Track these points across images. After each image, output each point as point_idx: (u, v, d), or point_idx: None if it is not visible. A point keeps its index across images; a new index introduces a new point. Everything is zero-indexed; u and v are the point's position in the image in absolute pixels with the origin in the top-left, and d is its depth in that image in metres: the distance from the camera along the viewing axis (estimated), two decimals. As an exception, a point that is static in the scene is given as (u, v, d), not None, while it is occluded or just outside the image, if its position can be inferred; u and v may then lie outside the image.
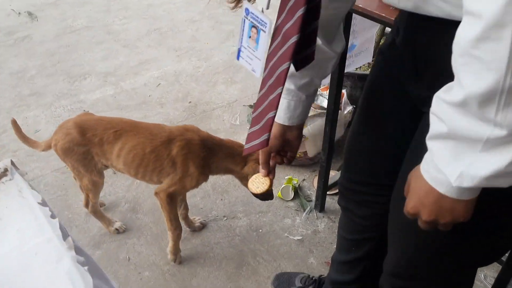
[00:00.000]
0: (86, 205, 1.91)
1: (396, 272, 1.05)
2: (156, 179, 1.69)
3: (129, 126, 1.67)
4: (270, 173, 1.16)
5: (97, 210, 1.92)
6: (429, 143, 0.68)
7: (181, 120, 2.74)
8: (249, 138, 0.95)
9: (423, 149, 0.70)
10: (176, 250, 1.83)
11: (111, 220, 2.00)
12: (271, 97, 0.85)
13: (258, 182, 1.18)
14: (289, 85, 1.05)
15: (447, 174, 0.64)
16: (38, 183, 2.31)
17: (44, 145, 1.77)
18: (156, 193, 1.71)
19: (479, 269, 1.74)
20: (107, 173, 2.32)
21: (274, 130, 1.09)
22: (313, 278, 1.64)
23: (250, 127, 0.94)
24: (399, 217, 0.95)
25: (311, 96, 1.11)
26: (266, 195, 1.22)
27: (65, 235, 0.66)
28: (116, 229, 1.98)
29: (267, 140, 0.89)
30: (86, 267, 0.89)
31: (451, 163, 0.63)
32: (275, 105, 0.85)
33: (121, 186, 2.28)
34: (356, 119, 1.18)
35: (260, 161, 1.15)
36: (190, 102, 2.91)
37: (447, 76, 0.62)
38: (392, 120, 1.05)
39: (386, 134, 1.10)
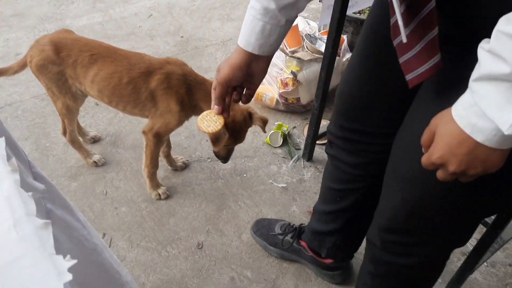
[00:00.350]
0: (64, 133, 1.82)
1: (391, 226, 0.98)
2: (137, 111, 1.59)
3: (107, 51, 1.55)
4: (225, 111, 1.01)
5: (75, 140, 1.83)
6: (476, 85, 0.58)
7: (171, 55, 2.60)
8: (409, 66, 0.76)
9: (440, 95, 0.61)
10: (154, 186, 1.77)
11: (89, 152, 1.91)
12: (424, 13, 0.69)
13: (209, 120, 1.01)
14: (268, 3, 0.87)
15: (496, 121, 0.56)
16: (16, 109, 2.20)
17: (16, 65, 1.64)
18: (143, 132, 1.63)
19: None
20: (89, 103, 2.22)
21: (238, 59, 0.94)
22: (294, 226, 1.60)
23: (401, 55, 0.77)
24: (405, 167, 0.88)
25: (290, 23, 0.94)
26: (217, 143, 1.09)
27: (9, 157, 0.58)
28: (95, 161, 1.90)
29: (439, 63, 0.72)
30: (44, 195, 0.81)
31: (504, 108, 0.55)
32: (432, 21, 0.69)
33: (103, 119, 2.18)
34: (352, 62, 1.08)
35: (214, 96, 0.98)
36: (182, 36, 2.75)
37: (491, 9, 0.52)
38: (391, 64, 0.94)
39: (384, 80, 1.00)
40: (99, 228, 1.69)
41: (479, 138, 0.60)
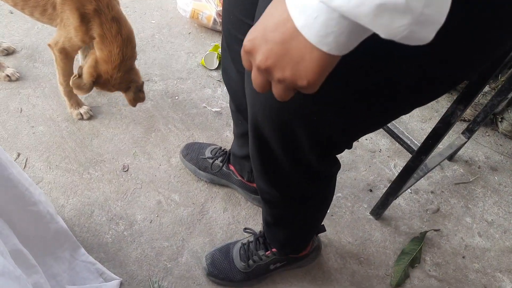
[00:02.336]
0: (-31, 42, 1.60)
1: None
2: (45, 20, 1.40)
3: None
4: None
5: (-17, 49, 1.62)
6: None
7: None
8: None
9: None
10: (75, 105, 1.63)
11: (2, 64, 1.71)
12: None
13: None
14: None
15: None
16: None
17: None
18: (49, 45, 1.45)
19: (389, 156, 1.75)
20: (2, 11, 1.97)
21: None
22: (224, 150, 1.54)
23: None
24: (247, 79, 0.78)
25: None
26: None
27: None
28: (8, 75, 1.71)
29: None
30: None
31: None
32: None
33: (18, 29, 1.95)
34: None
35: None
36: None
37: None
38: None
39: None
40: (13, 148, 1.55)
41: (299, 22, 0.42)
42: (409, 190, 1.65)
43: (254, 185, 1.47)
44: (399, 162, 1.73)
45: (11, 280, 0.46)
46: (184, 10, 2.07)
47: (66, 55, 1.44)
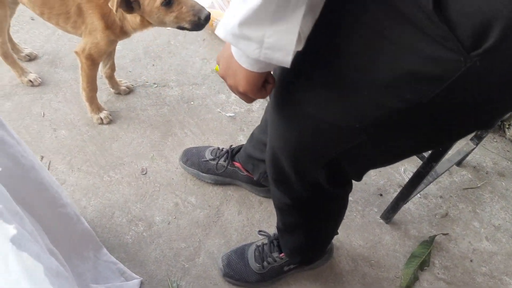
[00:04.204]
0: (-6, 46, 1.67)
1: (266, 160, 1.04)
2: (70, 28, 1.47)
3: None
4: None
5: (8, 54, 1.68)
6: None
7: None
8: None
9: None
10: (96, 109, 1.69)
11: (24, 69, 1.78)
12: None
13: None
14: None
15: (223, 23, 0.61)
16: None
17: None
18: (76, 53, 1.51)
19: (400, 162, 1.79)
20: (23, 17, 2.04)
21: None
22: (223, 149, 1.59)
23: None
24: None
25: None
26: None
27: None
28: (30, 80, 1.77)
29: None
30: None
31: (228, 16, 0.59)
32: None
33: (40, 35, 2.02)
34: None
35: None
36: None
37: None
38: None
39: None
40: (36, 151, 1.61)
41: (232, 49, 0.65)
42: (418, 195, 1.69)
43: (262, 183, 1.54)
44: (408, 167, 1.78)
45: (64, 280, 0.51)
46: (199, 17, 2.13)
47: (93, 61, 1.50)
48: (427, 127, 0.67)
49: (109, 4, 1.25)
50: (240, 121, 1.86)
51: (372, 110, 0.64)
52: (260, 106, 1.93)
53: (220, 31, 0.60)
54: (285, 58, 0.58)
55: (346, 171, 0.87)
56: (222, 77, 0.72)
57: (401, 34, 0.54)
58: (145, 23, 1.38)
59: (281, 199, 1.06)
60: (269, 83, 0.71)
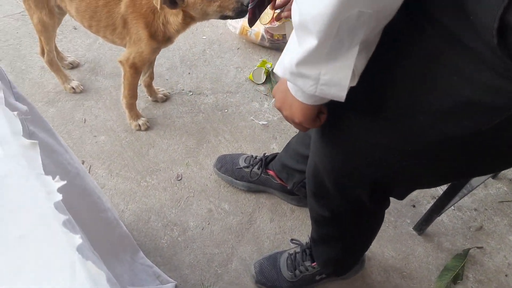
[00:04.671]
0: (42, 53, 1.75)
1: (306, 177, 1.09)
2: (115, 38, 1.54)
3: None
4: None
5: (53, 61, 1.77)
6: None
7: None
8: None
9: None
10: (134, 116, 1.75)
11: (68, 77, 1.86)
12: None
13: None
14: None
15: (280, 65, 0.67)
16: (-12, 27, 2.10)
17: None
18: (120, 62, 1.58)
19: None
20: (66, 27, 2.13)
21: None
22: (257, 157, 1.62)
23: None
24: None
25: None
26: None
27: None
28: (73, 87, 1.85)
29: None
30: (27, 117, 0.79)
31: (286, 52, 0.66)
32: None
33: (82, 44, 2.10)
34: None
35: None
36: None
37: None
38: None
39: None
40: (78, 156, 1.68)
41: (288, 84, 0.70)
42: (452, 207, 1.67)
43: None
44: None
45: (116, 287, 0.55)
46: (234, 26, 2.17)
47: (136, 70, 1.57)
48: (482, 153, 0.67)
49: (154, 2, 1.30)
50: (273, 129, 1.89)
51: (427, 135, 0.66)
52: (292, 115, 1.95)
53: (278, 70, 0.66)
54: (340, 93, 0.62)
55: (389, 189, 0.88)
56: (278, 109, 0.77)
57: (462, 64, 0.55)
58: (187, 21, 1.43)
59: (319, 211, 1.08)
60: (323, 113, 0.76)
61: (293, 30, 0.63)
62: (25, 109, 0.81)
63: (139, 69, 1.58)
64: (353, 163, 0.84)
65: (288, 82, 0.70)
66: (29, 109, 0.84)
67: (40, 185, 0.47)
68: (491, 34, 0.49)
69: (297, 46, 0.60)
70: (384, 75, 0.67)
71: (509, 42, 0.49)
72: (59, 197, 0.46)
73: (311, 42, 0.57)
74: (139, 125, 1.77)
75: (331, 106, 0.81)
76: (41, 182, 0.47)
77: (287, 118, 0.76)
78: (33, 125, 0.83)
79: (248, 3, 1.29)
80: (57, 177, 0.48)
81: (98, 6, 1.46)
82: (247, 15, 1.18)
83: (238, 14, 1.36)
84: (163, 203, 1.59)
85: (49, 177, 0.48)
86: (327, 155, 0.90)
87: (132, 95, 1.68)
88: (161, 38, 1.49)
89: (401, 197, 0.92)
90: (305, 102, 0.70)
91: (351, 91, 0.64)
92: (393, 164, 0.77)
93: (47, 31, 1.64)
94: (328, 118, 0.84)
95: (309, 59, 0.59)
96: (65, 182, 0.47)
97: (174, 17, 1.42)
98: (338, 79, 0.60)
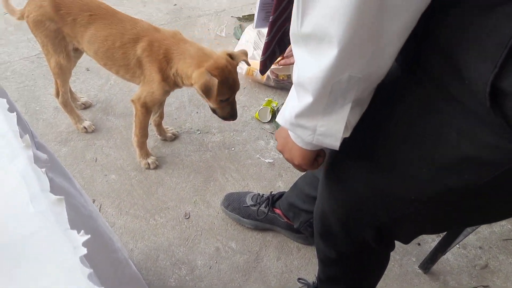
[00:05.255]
0: (57, 95, 1.82)
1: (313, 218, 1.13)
2: (129, 77, 1.62)
3: (105, 13, 1.55)
4: None
5: (67, 103, 1.84)
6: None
7: (164, 23, 2.58)
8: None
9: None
10: (144, 155, 1.80)
11: (80, 117, 1.92)
12: None
13: None
14: None
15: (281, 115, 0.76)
16: (5, 70, 2.18)
17: (19, 13, 1.63)
18: (132, 101, 1.64)
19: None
20: (80, 69, 2.21)
21: None
22: (264, 196, 1.65)
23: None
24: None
25: None
26: (209, 94, 1.44)
27: (23, 133, 0.60)
28: (85, 127, 1.92)
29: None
30: (47, 165, 0.84)
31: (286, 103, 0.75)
32: None
33: (94, 85, 2.18)
34: None
35: None
36: (175, 4, 2.73)
37: None
38: None
39: None
40: (89, 195, 1.72)
41: (288, 131, 0.78)
42: (457, 245, 1.69)
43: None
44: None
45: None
46: (240, 67, 2.25)
47: (147, 109, 1.63)
48: (482, 204, 0.71)
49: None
50: (278, 167, 1.93)
51: (429, 186, 0.70)
52: (298, 153, 1.99)
53: (280, 120, 0.74)
54: (335, 143, 0.70)
55: (395, 234, 0.92)
56: (280, 152, 0.85)
57: (462, 122, 0.61)
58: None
59: (325, 252, 1.11)
60: (320, 156, 0.84)
61: (293, 86, 0.70)
62: (45, 158, 0.86)
63: (149, 108, 1.64)
64: (359, 209, 0.88)
65: (289, 130, 0.78)
66: (48, 156, 0.89)
67: (67, 240, 0.51)
68: (484, 97, 0.54)
69: (296, 100, 0.68)
70: (380, 127, 0.73)
71: (502, 105, 0.54)
72: (84, 251, 0.50)
73: (308, 99, 0.65)
74: (149, 163, 1.81)
75: (334, 153, 0.87)
76: (68, 237, 0.51)
77: (288, 160, 0.84)
78: (51, 172, 0.88)
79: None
80: (82, 231, 0.52)
81: (114, 48, 1.54)
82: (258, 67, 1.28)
83: (223, 118, 1.65)
84: (171, 242, 1.62)
85: (75, 232, 0.52)
86: (334, 198, 0.94)
87: (143, 134, 1.73)
88: (171, 84, 1.56)
89: (406, 241, 0.95)
90: (304, 148, 0.78)
91: (351, 140, 0.70)
92: (397, 211, 0.81)
93: (63, 73, 1.71)
94: (332, 164, 0.89)
95: (307, 113, 0.68)
96: (88, 236, 0.51)
97: (185, 78, 1.52)
98: (333, 131, 0.68)
